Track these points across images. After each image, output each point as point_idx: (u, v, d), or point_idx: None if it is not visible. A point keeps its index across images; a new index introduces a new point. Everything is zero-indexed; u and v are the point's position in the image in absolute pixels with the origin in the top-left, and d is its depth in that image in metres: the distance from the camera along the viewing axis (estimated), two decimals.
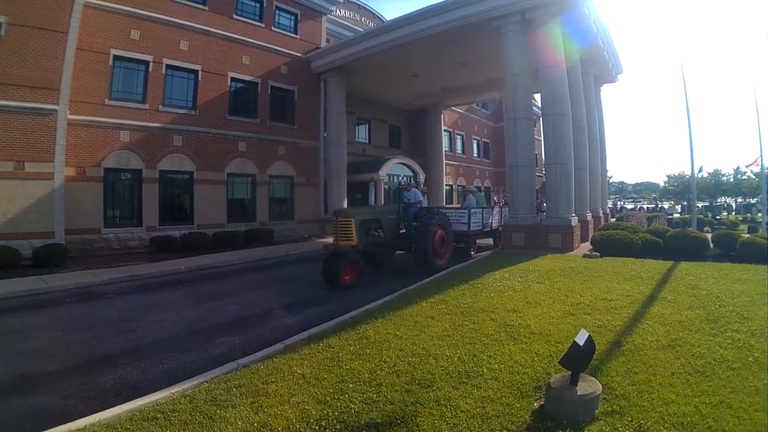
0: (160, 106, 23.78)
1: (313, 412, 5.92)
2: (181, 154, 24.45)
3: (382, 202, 32.73)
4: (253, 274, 17.49)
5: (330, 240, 16.74)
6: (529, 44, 22.46)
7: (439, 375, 6.96)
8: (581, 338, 5.80)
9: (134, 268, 17.35)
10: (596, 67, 31.47)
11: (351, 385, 6.67)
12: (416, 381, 6.76)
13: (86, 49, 20.75)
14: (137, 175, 22.98)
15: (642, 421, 5.51)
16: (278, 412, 5.90)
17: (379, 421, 5.69)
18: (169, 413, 5.97)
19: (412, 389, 6.50)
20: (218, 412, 5.99)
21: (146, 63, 23.35)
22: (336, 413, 5.88)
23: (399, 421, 5.67)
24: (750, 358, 7.31)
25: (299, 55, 30.73)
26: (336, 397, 6.33)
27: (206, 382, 6.96)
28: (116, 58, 22.27)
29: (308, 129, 31.04)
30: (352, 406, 6.05)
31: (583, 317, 9.72)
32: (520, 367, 7.12)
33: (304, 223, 30.25)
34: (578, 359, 5.78)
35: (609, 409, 5.84)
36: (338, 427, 5.61)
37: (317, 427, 5.59)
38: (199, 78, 25.43)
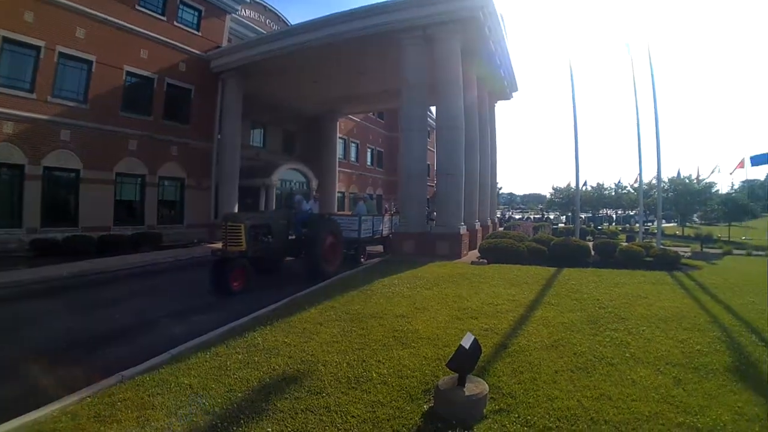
0: (49, 97, 21.75)
1: (201, 424, 5.67)
2: (68, 150, 22.54)
3: (274, 208, 32.14)
4: (139, 281, 16.65)
5: (219, 245, 16.25)
6: (428, 59, 22.79)
7: (328, 381, 6.84)
8: (467, 341, 5.88)
9: (13, 274, 15.82)
10: (492, 85, 32.40)
11: (240, 395, 6.43)
12: (305, 388, 6.61)
13: None
14: (19, 170, 20.94)
15: (529, 417, 5.67)
16: (165, 426, 5.62)
17: (270, 429, 5.53)
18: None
19: (302, 396, 6.36)
20: (102, 428, 5.62)
21: (38, 49, 21.34)
22: (225, 424, 5.65)
23: (289, 429, 5.54)
24: (627, 354, 7.81)
25: (199, 53, 29.50)
26: (224, 407, 6.08)
27: (89, 396, 6.47)
28: (5, 40, 20.21)
29: (202, 130, 29.76)
30: (241, 416, 5.83)
31: (470, 321, 9.87)
32: (409, 371, 7.11)
33: (194, 227, 28.97)
34: (465, 361, 5.85)
35: (497, 407, 5.95)
36: None
37: None
38: (93, 69, 23.57)
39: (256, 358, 7.83)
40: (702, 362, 7.50)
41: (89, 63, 23.63)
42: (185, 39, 28.70)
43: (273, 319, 10.26)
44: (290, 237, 16.87)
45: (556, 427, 5.46)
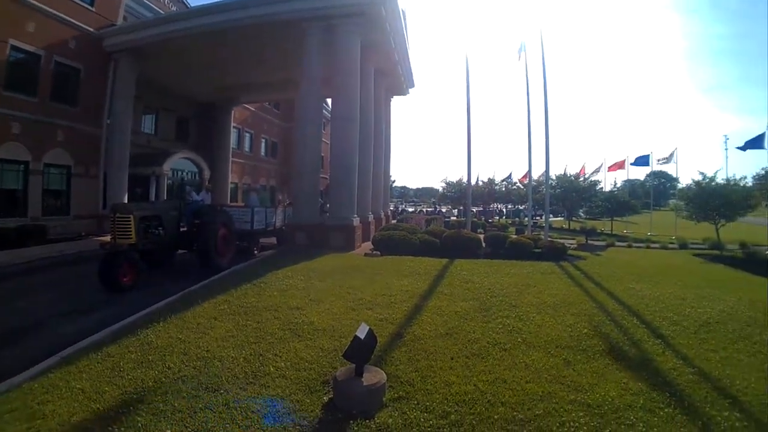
0: None
1: (97, 430, 5.40)
2: None
3: (165, 198, 30.80)
4: (22, 279, 15.29)
5: (107, 238, 15.42)
6: (328, 51, 22.65)
7: (225, 377, 6.68)
8: (362, 332, 5.92)
9: None
10: (389, 80, 32.61)
11: (135, 396, 6.14)
12: (203, 385, 6.42)
13: None
14: None
15: (428, 403, 5.79)
16: None
17: (168, 431, 5.33)
18: None
19: (200, 394, 6.17)
20: None
21: None
22: (121, 429, 5.38)
23: (190, 430, 5.35)
24: (519, 339, 8.17)
25: (92, 29, 26.58)
26: (120, 410, 5.78)
27: None
28: None
29: (92, 113, 27.24)
30: (139, 419, 5.56)
31: (365, 312, 9.93)
32: (307, 364, 7.07)
33: (82, 219, 26.66)
34: (361, 351, 5.90)
35: (396, 395, 6.02)
36: None
37: None
38: None
39: (150, 357, 7.52)
40: (589, 344, 8.01)
41: None
42: (77, 14, 25.84)
43: (166, 314, 9.87)
44: (182, 229, 16.30)
45: (455, 411, 5.61)
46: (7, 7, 21.98)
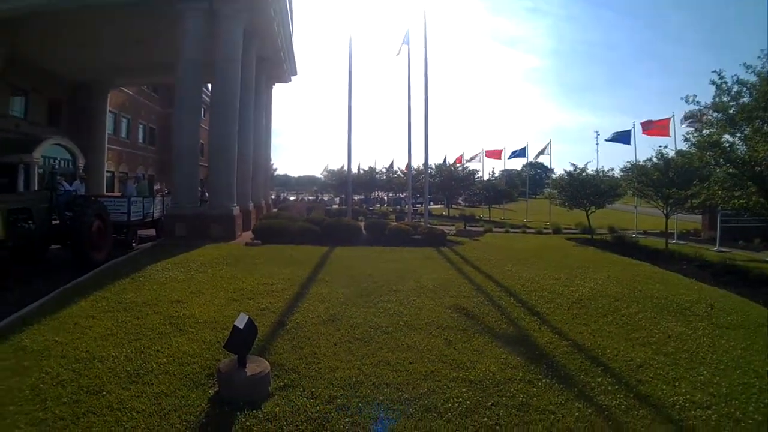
0: None
1: None
2: None
3: (35, 189, 28.79)
4: None
5: None
6: (209, 34, 21.94)
7: (107, 378, 6.47)
8: (241, 321, 5.95)
9: None
10: (272, 67, 32.17)
11: (12, 408, 5.77)
12: (84, 389, 6.18)
13: None
14: None
15: (314, 389, 5.92)
16: None
17: None
18: None
19: (82, 398, 5.94)
20: None
21: None
22: None
23: None
24: (400, 322, 8.49)
25: None
26: None
27: None
28: None
29: None
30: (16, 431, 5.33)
31: (246, 302, 9.92)
32: (190, 358, 7.01)
33: None
34: (241, 342, 5.92)
35: (282, 384, 6.11)
36: None
37: None
38: None
39: (25, 363, 7.12)
40: (468, 324, 8.50)
41: None
42: None
43: (41, 316, 9.35)
44: (54, 222, 15.33)
45: (341, 395, 5.77)
46: None
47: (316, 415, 5.33)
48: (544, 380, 6.25)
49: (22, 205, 13.87)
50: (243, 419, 5.29)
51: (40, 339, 8.12)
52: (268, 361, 6.32)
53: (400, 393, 5.82)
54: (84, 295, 10.79)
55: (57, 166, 27.80)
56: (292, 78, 38.46)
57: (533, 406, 5.63)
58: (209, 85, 32.91)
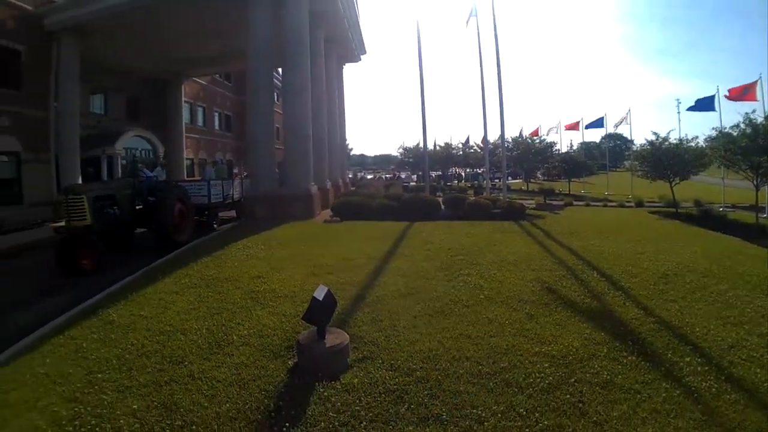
0: None
1: (64, 413, 5.26)
2: None
3: (119, 177, 29.94)
4: None
5: (62, 223, 14.95)
6: (277, 19, 22.18)
7: (189, 349, 6.63)
8: (320, 293, 5.88)
9: None
10: (340, 47, 32.19)
11: (100, 375, 6.04)
12: (167, 359, 6.36)
13: None
14: None
15: (393, 362, 5.81)
16: (25, 422, 5.17)
17: (136, 407, 5.25)
18: None
19: (165, 368, 6.12)
20: None
21: None
22: (89, 408, 5.29)
23: (156, 403, 5.29)
24: (481, 296, 8.20)
25: (30, 8, 24.93)
26: (86, 391, 5.69)
27: None
28: None
29: (37, 97, 25.62)
30: (105, 397, 5.50)
31: (326, 277, 9.86)
32: (270, 330, 7.05)
33: (36, 206, 24.68)
34: (320, 313, 5.86)
35: (361, 356, 6.04)
36: (93, 422, 5.04)
37: (71, 428, 4.98)
38: None
39: (113, 336, 7.40)
40: (551, 298, 8.13)
41: None
42: None
43: (127, 293, 9.70)
44: (137, 207, 15.93)
45: (420, 367, 5.64)
46: None
47: (395, 387, 5.24)
48: (629, 358, 5.92)
49: (106, 192, 14.50)
50: (321, 390, 5.26)
51: (127, 314, 8.39)
52: (348, 334, 6.26)
53: (480, 367, 5.63)
54: (167, 273, 11.10)
55: (138, 155, 28.84)
56: (362, 57, 38.33)
57: (618, 384, 5.36)
58: (280, 70, 33.28)
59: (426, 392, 5.12)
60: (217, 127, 49.16)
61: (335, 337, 5.94)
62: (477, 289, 8.60)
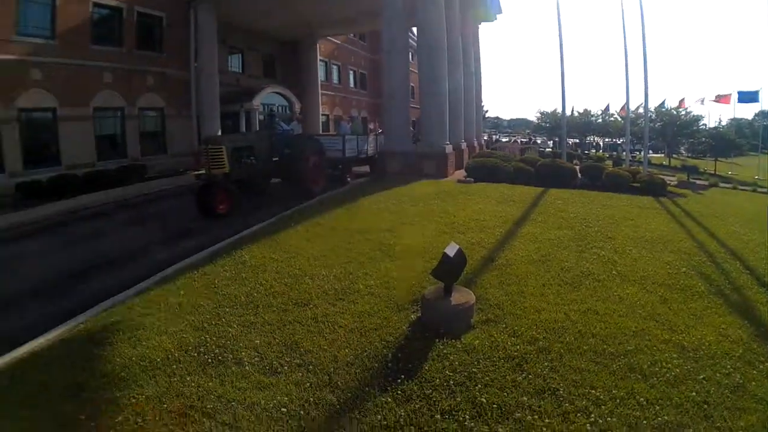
0: (14, 36, 19.96)
1: (191, 340, 5.68)
2: (41, 89, 20.99)
3: (257, 130, 31.41)
4: (126, 212, 16.34)
5: (203, 171, 15.89)
6: None
7: (315, 294, 6.85)
8: (451, 250, 5.81)
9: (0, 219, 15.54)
10: (475, 6, 31.35)
11: (228, 310, 6.46)
12: (293, 300, 6.63)
13: None
14: None
15: (516, 328, 5.68)
16: (156, 344, 5.62)
17: (258, 342, 5.53)
18: (47, 359, 5.58)
19: (290, 308, 6.38)
20: (96, 351, 5.63)
21: None
22: (214, 338, 5.68)
23: (278, 341, 5.53)
24: (614, 272, 7.78)
25: None
26: (214, 322, 6.10)
27: (82, 323, 6.51)
28: None
29: (179, 58, 28.10)
30: (231, 329, 5.87)
31: (456, 236, 9.80)
32: (396, 282, 7.13)
33: (179, 156, 27.66)
34: (449, 270, 5.81)
35: (484, 317, 5.97)
36: (216, 351, 5.39)
37: (195, 354, 5.36)
38: (57, 3, 21.55)
39: (243, 275, 7.81)
40: (688, 284, 7.47)
41: None
42: None
43: (260, 237, 10.23)
44: (274, 158, 16.58)
45: (543, 338, 5.47)
46: None
47: (516, 354, 5.13)
48: (766, 364, 5.26)
49: (244, 143, 15.32)
50: (441, 347, 5.27)
51: (258, 255, 8.79)
52: (474, 294, 6.18)
53: (605, 346, 5.35)
54: (300, 221, 11.51)
55: (275, 110, 29.87)
56: (497, 17, 37.04)
57: (750, 391, 4.75)
58: (414, 29, 32.98)
59: (546, 364, 4.97)
60: (351, 85, 49.82)
61: (461, 296, 5.91)
62: (610, 264, 8.18)
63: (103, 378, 5.08)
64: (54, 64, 21.36)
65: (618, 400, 4.44)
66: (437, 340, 5.37)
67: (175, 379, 5.00)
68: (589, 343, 5.39)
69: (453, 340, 5.36)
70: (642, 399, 4.47)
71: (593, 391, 4.55)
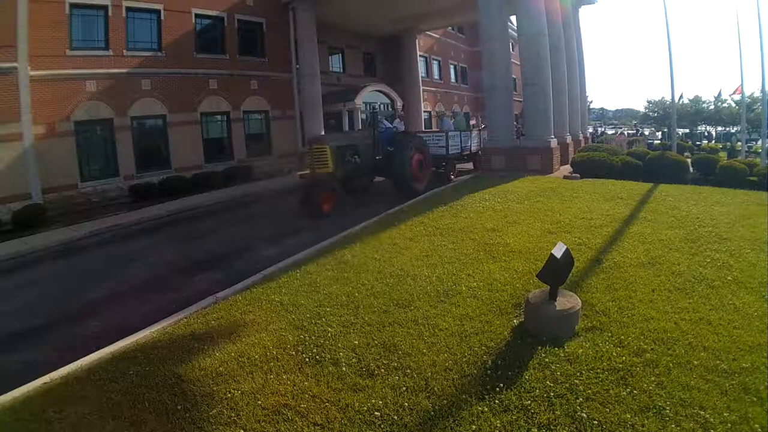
0: (125, 51, 22.15)
1: (290, 338, 5.89)
2: (151, 98, 23.11)
3: (360, 129, 31.97)
4: (232, 212, 17.17)
5: (307, 171, 16.34)
6: None
7: (417, 295, 6.92)
8: (558, 251, 5.66)
9: (115, 219, 16.74)
10: None
11: (328, 309, 6.62)
12: (394, 301, 6.72)
13: (39, 0, 19.10)
14: (108, 124, 21.69)
15: (622, 337, 5.46)
16: (255, 341, 5.86)
17: (356, 342, 5.64)
18: (149, 351, 5.92)
19: (390, 310, 6.47)
20: (197, 345, 5.95)
21: (104, 8, 21.53)
22: (313, 337, 5.85)
23: (376, 342, 5.62)
24: (729, 277, 7.24)
25: None
26: (313, 321, 6.29)
27: (185, 318, 6.89)
28: (72, 5, 20.44)
29: (280, 61, 29.57)
30: (330, 329, 6.02)
31: (562, 235, 9.63)
32: (500, 285, 7.08)
33: (283, 157, 29.18)
34: (556, 273, 5.67)
35: (589, 324, 5.80)
36: (314, 350, 5.56)
37: (294, 353, 5.55)
38: (162, 17, 23.70)
39: (345, 274, 7.99)
40: None
41: (157, 12, 23.77)
42: None
43: (363, 236, 10.48)
44: (377, 157, 16.82)
45: (651, 350, 5.20)
46: None
47: (621, 366, 4.92)
48: None
49: (348, 142, 15.73)
50: (543, 355, 5.18)
51: (360, 255, 8.99)
52: (579, 299, 6.02)
53: (717, 361, 4.95)
54: (403, 220, 11.67)
55: (377, 108, 30.37)
56: None
57: None
58: (513, 19, 32.31)
59: (653, 379, 4.71)
60: (452, 80, 49.82)
61: (567, 301, 5.77)
62: (725, 268, 7.63)
63: (201, 371, 5.36)
64: (162, 75, 23.38)
65: (730, 425, 4.11)
66: (539, 347, 5.29)
67: (272, 376, 5.19)
68: (700, 358, 5.03)
69: (555, 348, 5.26)
70: (758, 426, 4.11)
71: (702, 412, 4.24)
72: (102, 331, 7.26)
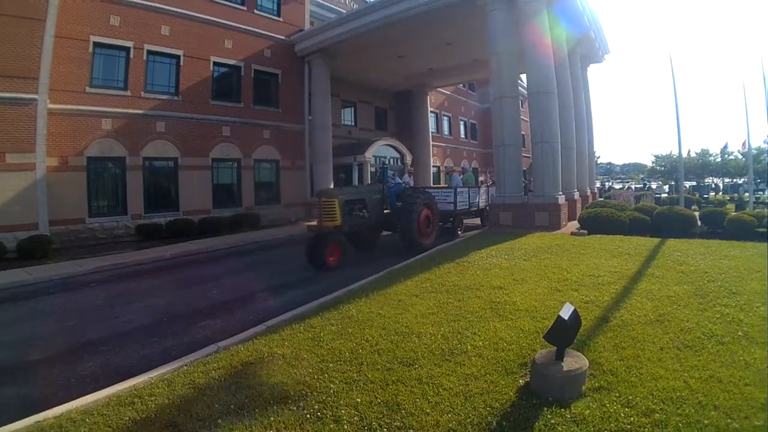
0: (143, 93, 23.09)
1: (292, 393, 5.78)
2: (164, 140, 23.84)
3: (369, 183, 32.26)
4: (237, 259, 17.27)
5: (315, 222, 16.50)
6: (514, 24, 22.03)
7: (421, 353, 6.83)
8: (566, 312, 5.63)
9: (119, 257, 16.99)
10: (582, 47, 31.07)
11: (331, 365, 6.53)
12: (398, 359, 6.62)
13: (65, 37, 20.09)
14: (120, 162, 22.38)
15: (630, 397, 5.34)
16: (255, 394, 5.76)
17: (359, 400, 5.54)
18: (146, 397, 5.83)
19: (394, 368, 6.37)
20: (195, 394, 5.86)
21: (127, 49, 22.61)
22: (315, 394, 5.74)
23: (379, 401, 5.52)
24: (739, 333, 7.14)
25: (282, 37, 30.03)
26: (315, 377, 6.18)
27: (185, 365, 6.81)
28: (96, 44, 21.49)
29: (293, 112, 30.45)
30: (331, 386, 5.91)
31: (569, 293, 9.57)
32: (505, 344, 6.98)
33: (291, 206, 29.76)
34: (563, 334, 5.62)
35: (596, 384, 5.68)
36: (316, 407, 5.45)
37: (294, 408, 5.43)
38: (182, 63, 24.73)
39: (349, 330, 7.93)
40: None
41: (177, 57, 24.79)
42: (267, 25, 29.51)
43: (368, 291, 10.40)
44: (385, 211, 16.96)
45: (660, 409, 5.07)
46: (205, 31, 25.84)
47: (628, 427, 4.79)
48: None
49: (357, 196, 15.89)
50: (549, 416, 5.05)
51: (365, 310, 8.95)
52: (586, 358, 5.97)
53: (729, 420, 4.82)
54: (410, 275, 11.63)
55: (387, 163, 30.89)
56: (605, 57, 36.33)
57: None
58: (523, 77, 32.88)
59: None
60: (462, 136, 50.89)
61: (574, 361, 5.69)
62: (735, 323, 7.55)
63: (199, 422, 5.27)
64: (177, 118, 24.36)
65: None
66: (545, 407, 5.17)
67: None
68: (711, 417, 4.90)
69: (562, 409, 5.14)
70: None
71: None
72: (99, 371, 7.26)
